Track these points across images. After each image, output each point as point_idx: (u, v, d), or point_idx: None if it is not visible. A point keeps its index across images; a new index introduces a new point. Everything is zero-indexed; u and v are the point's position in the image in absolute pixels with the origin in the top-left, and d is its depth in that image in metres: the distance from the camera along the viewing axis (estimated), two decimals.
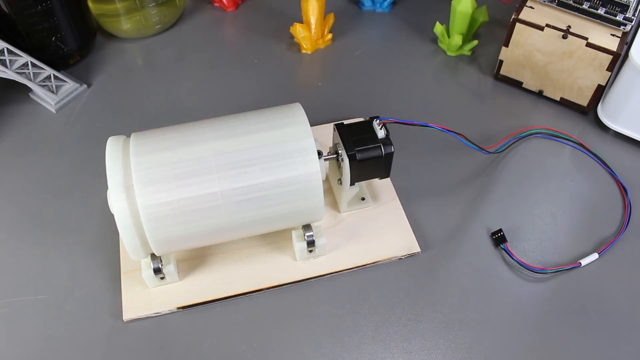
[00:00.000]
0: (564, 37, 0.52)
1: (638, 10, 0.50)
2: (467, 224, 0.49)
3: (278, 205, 0.40)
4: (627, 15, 0.50)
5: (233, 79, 0.61)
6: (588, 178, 0.52)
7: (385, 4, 0.68)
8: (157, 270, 0.42)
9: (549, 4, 0.53)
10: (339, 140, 0.44)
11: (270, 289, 0.45)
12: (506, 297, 0.45)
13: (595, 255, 0.46)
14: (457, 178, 0.52)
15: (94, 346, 0.42)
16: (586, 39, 0.51)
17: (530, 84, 0.58)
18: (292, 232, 0.45)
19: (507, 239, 0.47)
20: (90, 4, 0.62)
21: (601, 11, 0.51)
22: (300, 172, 0.40)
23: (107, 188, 0.38)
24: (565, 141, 0.55)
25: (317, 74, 0.62)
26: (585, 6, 0.52)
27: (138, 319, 0.43)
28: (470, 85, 0.60)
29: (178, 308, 0.44)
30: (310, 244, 0.44)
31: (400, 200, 0.49)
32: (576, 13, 0.53)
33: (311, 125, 0.41)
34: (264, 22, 0.67)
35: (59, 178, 0.52)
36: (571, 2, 0.52)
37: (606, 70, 0.52)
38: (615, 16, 0.51)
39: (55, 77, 0.58)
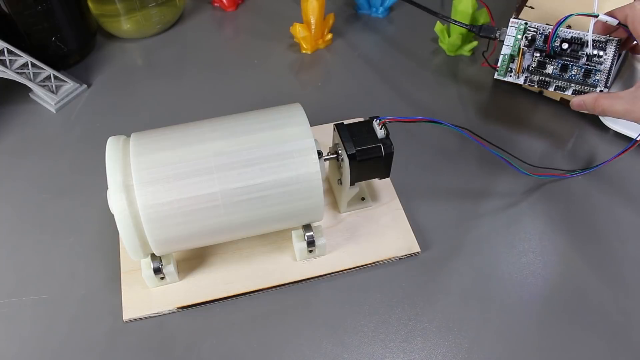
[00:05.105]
0: None
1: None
2: (467, 224, 0.49)
3: (278, 205, 0.40)
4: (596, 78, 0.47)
5: (233, 79, 0.61)
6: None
7: (382, 9, 0.67)
8: (157, 270, 0.42)
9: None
10: (339, 140, 0.44)
11: (270, 289, 0.45)
12: (506, 297, 0.45)
13: None
14: (457, 178, 0.52)
15: (93, 346, 0.42)
16: None
17: None
18: (292, 232, 0.45)
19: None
20: (90, 4, 0.62)
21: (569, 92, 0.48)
22: (300, 172, 0.40)
23: (107, 188, 0.38)
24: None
25: (317, 74, 0.62)
26: (551, 88, 0.48)
27: (138, 319, 0.43)
28: (470, 85, 0.60)
29: (178, 308, 0.44)
30: (310, 244, 0.44)
31: (400, 200, 0.49)
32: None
33: (311, 125, 0.41)
34: (264, 22, 0.67)
35: (59, 178, 0.52)
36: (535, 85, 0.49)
37: None
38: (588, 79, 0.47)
39: (55, 77, 0.58)
